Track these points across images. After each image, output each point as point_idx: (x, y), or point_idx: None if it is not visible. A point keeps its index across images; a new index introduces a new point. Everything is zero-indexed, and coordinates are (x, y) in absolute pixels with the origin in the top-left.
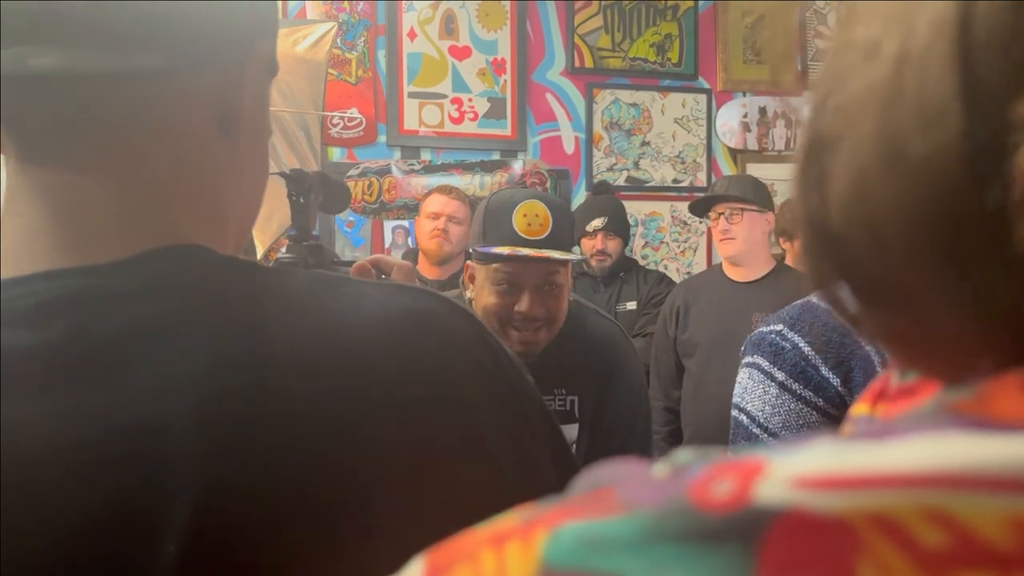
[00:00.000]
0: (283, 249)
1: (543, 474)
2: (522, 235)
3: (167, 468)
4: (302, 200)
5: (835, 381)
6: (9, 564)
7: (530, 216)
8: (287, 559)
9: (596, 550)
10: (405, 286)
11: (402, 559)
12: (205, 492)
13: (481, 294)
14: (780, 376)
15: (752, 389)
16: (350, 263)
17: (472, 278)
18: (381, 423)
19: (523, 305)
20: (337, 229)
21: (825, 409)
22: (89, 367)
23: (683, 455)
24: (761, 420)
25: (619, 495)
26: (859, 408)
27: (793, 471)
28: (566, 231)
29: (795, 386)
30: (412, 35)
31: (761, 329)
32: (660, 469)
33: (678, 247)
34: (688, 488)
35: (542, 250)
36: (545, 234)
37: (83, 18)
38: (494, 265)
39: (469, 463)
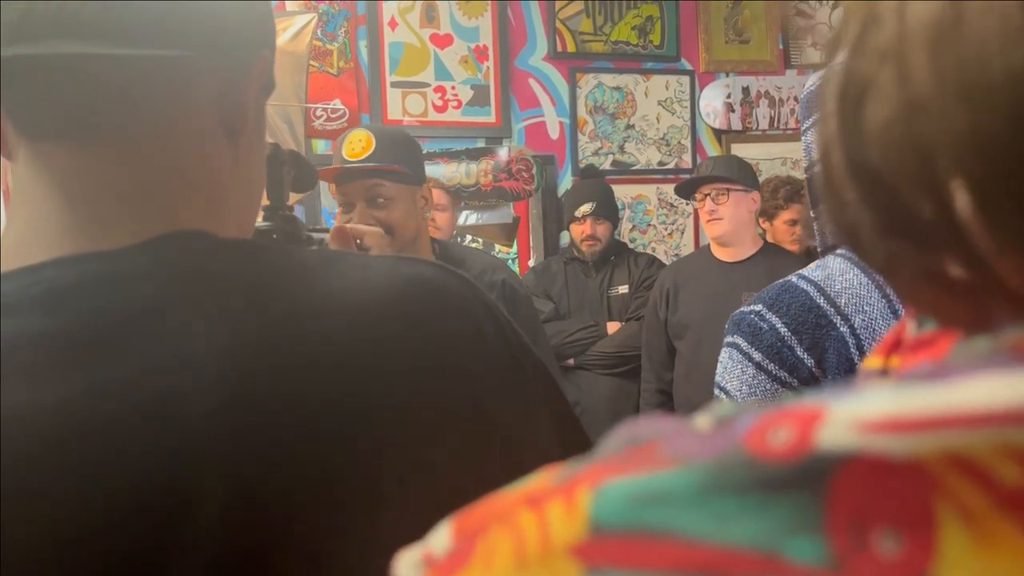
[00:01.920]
0: (259, 219)
1: (544, 438)
2: (346, 158)
3: (190, 444)
4: (277, 173)
5: (809, 362)
6: (39, 545)
7: (353, 142)
8: (305, 520)
9: (650, 505)
10: (405, 257)
11: (407, 523)
12: (230, 464)
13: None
14: (757, 356)
15: (731, 368)
16: (325, 230)
17: None
18: (394, 393)
19: (355, 219)
20: (323, 220)
21: (799, 389)
22: (105, 349)
23: (725, 406)
24: (739, 399)
25: (665, 449)
26: (872, 361)
27: (856, 415)
28: (392, 151)
29: (771, 366)
30: (393, 24)
31: (742, 309)
32: (702, 422)
33: (665, 229)
34: (743, 438)
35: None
36: (367, 154)
37: (102, 12)
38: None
39: (473, 430)
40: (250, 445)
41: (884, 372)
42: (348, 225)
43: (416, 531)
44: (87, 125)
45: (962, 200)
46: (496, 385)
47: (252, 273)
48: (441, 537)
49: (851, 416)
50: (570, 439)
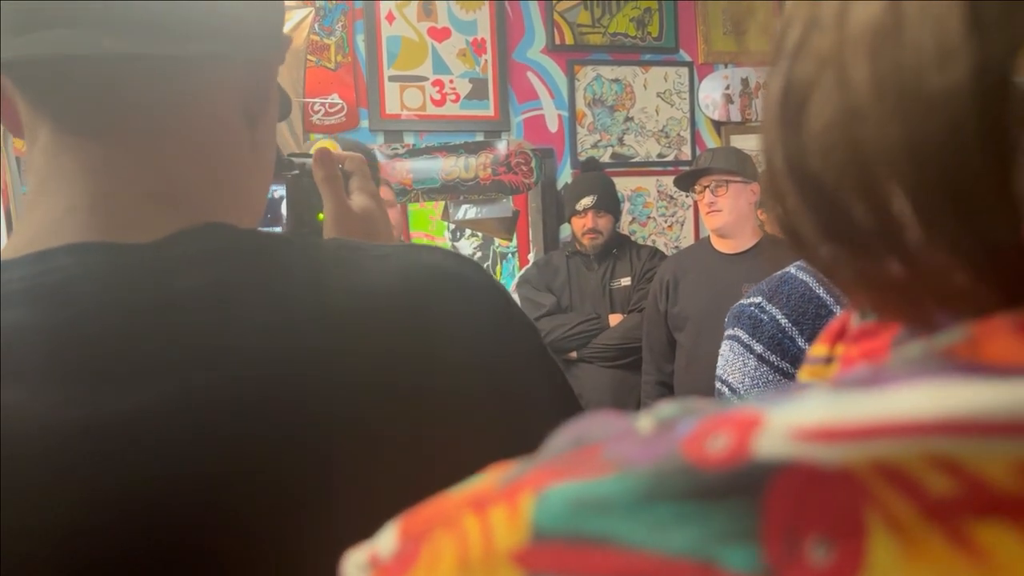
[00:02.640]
0: None
1: (549, 426)
2: None
3: (225, 437)
4: None
5: None
6: (82, 529)
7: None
8: (344, 508)
9: (589, 512)
10: (416, 246)
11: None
12: (265, 456)
13: None
14: (758, 348)
15: (733, 361)
16: (307, 155)
17: None
18: (419, 381)
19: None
20: None
21: None
22: (131, 341)
23: (667, 408)
24: (741, 392)
25: (607, 454)
26: (817, 349)
27: (791, 423)
28: None
29: (772, 358)
30: (390, 18)
31: (741, 302)
32: (644, 424)
33: (665, 222)
34: (681, 444)
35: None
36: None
37: (147, 11)
38: None
39: (494, 417)
40: (288, 438)
41: (829, 360)
42: (333, 151)
43: None
44: (117, 119)
45: (899, 204)
46: (508, 367)
47: (277, 265)
48: (387, 539)
49: (787, 424)
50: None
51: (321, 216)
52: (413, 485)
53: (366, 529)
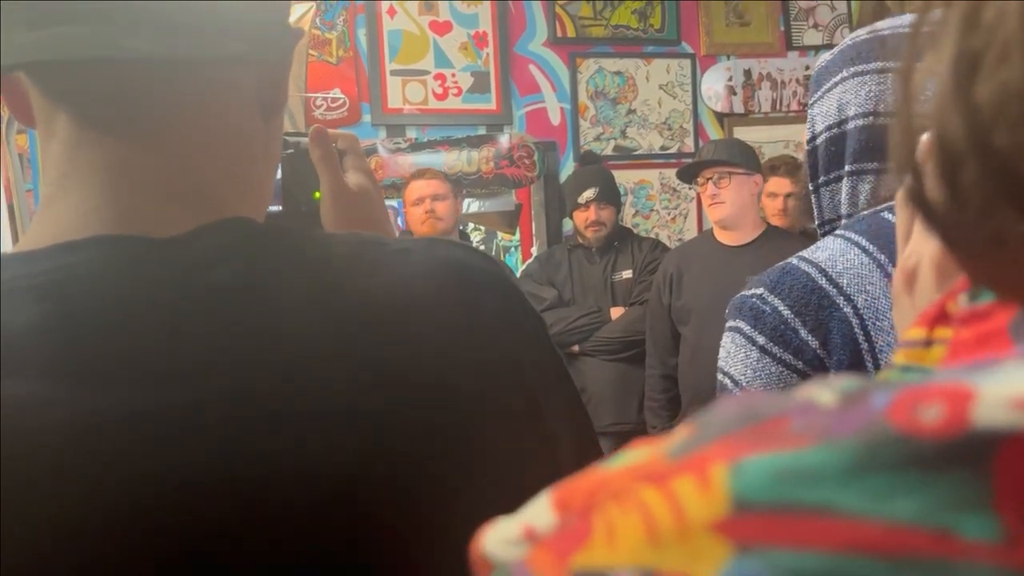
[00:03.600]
0: None
1: (557, 420)
2: None
3: (258, 430)
4: None
5: (814, 344)
6: (128, 525)
7: None
8: (380, 510)
9: (797, 482)
10: (433, 240)
11: (461, 510)
12: (295, 454)
13: None
14: (760, 340)
15: (735, 353)
16: (302, 134)
17: None
18: (444, 375)
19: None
20: None
21: (804, 371)
22: (171, 337)
23: (846, 382)
24: (744, 384)
25: (795, 426)
26: (915, 332)
27: (1009, 393)
28: None
29: (775, 349)
30: (392, 12)
31: (743, 293)
32: (825, 397)
33: (668, 214)
34: (887, 415)
35: None
36: None
37: (172, 11)
38: None
39: (516, 412)
40: (321, 435)
41: (928, 343)
42: (328, 129)
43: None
44: (136, 118)
45: None
46: (528, 358)
47: (299, 260)
48: (542, 513)
49: (1004, 394)
50: (577, 421)
51: (317, 195)
52: (462, 477)
53: (429, 532)
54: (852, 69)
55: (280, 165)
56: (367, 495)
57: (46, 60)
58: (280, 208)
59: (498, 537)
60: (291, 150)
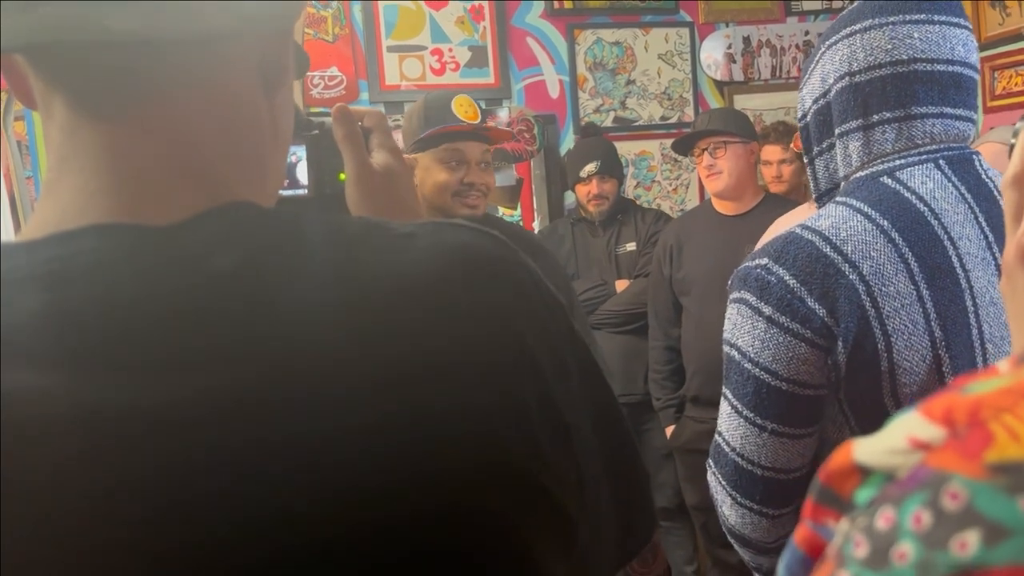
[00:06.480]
0: None
1: (579, 395)
2: (463, 119)
3: (259, 419)
4: None
5: (821, 312)
6: (109, 518)
7: (465, 105)
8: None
9: None
10: (440, 223)
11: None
12: (319, 441)
13: (428, 175)
14: (767, 310)
15: (741, 324)
16: (325, 114)
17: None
18: (457, 358)
19: (472, 176)
20: None
21: (813, 340)
22: (169, 327)
23: None
24: (752, 355)
25: None
26: None
27: None
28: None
29: (782, 319)
30: None
31: (747, 264)
32: None
33: (670, 185)
34: None
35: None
36: (479, 120)
37: None
38: (442, 146)
39: (532, 390)
40: (343, 421)
41: None
42: (343, 106)
43: None
44: (133, 99)
45: None
46: (542, 339)
47: (304, 244)
48: (923, 427)
49: None
50: (598, 393)
51: (343, 176)
52: (461, 453)
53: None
54: (827, 43)
55: (305, 147)
56: (372, 481)
57: (34, 43)
58: (306, 191)
59: (879, 448)
60: (316, 131)
